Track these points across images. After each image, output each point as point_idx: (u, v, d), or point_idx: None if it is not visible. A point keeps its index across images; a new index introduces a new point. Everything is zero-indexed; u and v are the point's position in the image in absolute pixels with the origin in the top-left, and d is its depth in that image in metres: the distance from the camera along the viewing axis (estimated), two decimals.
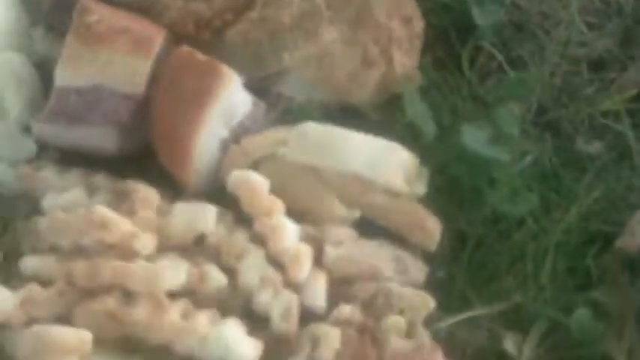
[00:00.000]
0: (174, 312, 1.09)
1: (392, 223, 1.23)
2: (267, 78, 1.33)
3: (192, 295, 1.13)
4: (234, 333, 1.09)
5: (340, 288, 1.16)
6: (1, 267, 1.18)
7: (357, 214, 1.22)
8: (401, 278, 1.18)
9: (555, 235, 1.26)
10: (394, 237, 1.23)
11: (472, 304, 1.21)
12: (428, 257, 1.22)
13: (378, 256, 1.19)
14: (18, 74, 1.33)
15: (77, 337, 1.06)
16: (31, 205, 1.26)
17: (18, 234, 1.21)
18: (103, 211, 1.14)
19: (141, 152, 1.29)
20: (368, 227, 1.22)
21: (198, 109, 1.22)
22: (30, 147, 1.30)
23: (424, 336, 1.14)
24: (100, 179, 1.23)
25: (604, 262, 1.25)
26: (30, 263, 1.15)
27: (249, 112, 1.29)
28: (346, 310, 1.12)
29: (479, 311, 1.21)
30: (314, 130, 1.25)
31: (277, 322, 1.12)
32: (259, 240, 1.17)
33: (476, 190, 1.28)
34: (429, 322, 1.16)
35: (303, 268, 1.15)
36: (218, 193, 1.20)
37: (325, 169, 1.22)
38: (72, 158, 1.29)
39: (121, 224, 1.14)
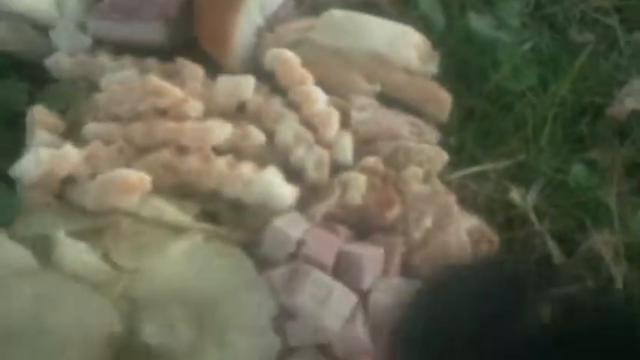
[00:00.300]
0: (221, 162, 1.18)
1: (408, 97, 1.32)
2: None
3: (235, 152, 1.22)
4: (274, 178, 1.18)
5: (364, 146, 1.25)
6: (66, 135, 1.24)
7: (377, 88, 1.31)
8: (417, 139, 1.26)
9: (553, 107, 1.35)
10: (410, 110, 1.31)
11: (481, 162, 1.30)
12: (440, 128, 1.31)
13: (397, 120, 1.28)
14: None
15: (139, 177, 1.15)
16: (90, 87, 1.32)
17: (80, 110, 1.28)
18: (157, 80, 1.24)
19: (186, 43, 1.38)
20: (387, 102, 1.31)
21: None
22: (86, 41, 1.39)
23: (439, 185, 1.22)
24: (151, 61, 1.32)
25: (596, 127, 1.35)
26: (92, 128, 1.23)
27: (281, 3, 1.38)
28: (371, 160, 1.21)
29: (487, 166, 1.29)
30: (338, 16, 1.35)
31: (311, 173, 1.21)
32: (293, 107, 1.26)
33: (481, 70, 1.38)
34: (442, 175, 1.24)
35: (332, 127, 1.24)
36: (254, 74, 1.29)
37: (349, 50, 1.32)
38: (124, 50, 1.36)
39: (172, 91, 1.23)
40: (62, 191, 1.22)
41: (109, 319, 1.10)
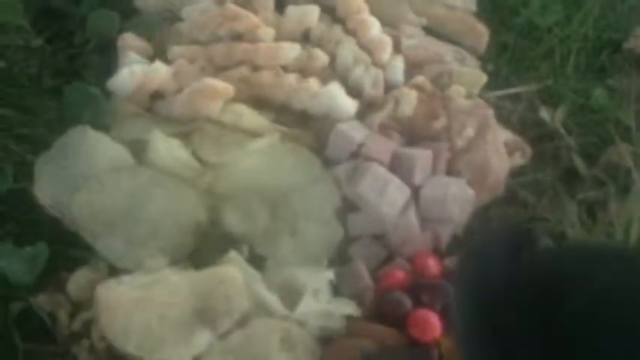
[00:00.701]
0: (290, 77, 1.28)
1: (450, 30, 1.42)
2: None
3: (302, 71, 1.31)
4: (338, 91, 1.27)
5: (413, 68, 1.34)
6: (153, 58, 1.34)
7: (424, 21, 1.41)
8: (459, 64, 1.36)
9: (577, 41, 1.46)
10: (452, 41, 1.41)
11: (514, 85, 1.40)
12: (478, 57, 1.41)
13: (441, 47, 1.38)
14: None
15: (223, 85, 1.24)
16: (172, 17, 1.41)
17: (164, 37, 1.37)
18: (234, 6, 1.33)
19: None
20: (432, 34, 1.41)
21: None
22: None
23: (479, 100, 1.32)
24: None
25: (615, 58, 1.45)
26: (177, 50, 1.32)
27: None
28: (419, 79, 1.31)
29: (520, 89, 1.39)
30: None
31: (368, 89, 1.30)
32: (351, 33, 1.36)
33: (513, 7, 1.48)
34: (481, 95, 1.34)
35: (386, 51, 1.34)
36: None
37: None
38: None
39: (249, 16, 1.32)
40: (151, 105, 1.30)
41: (195, 209, 1.18)
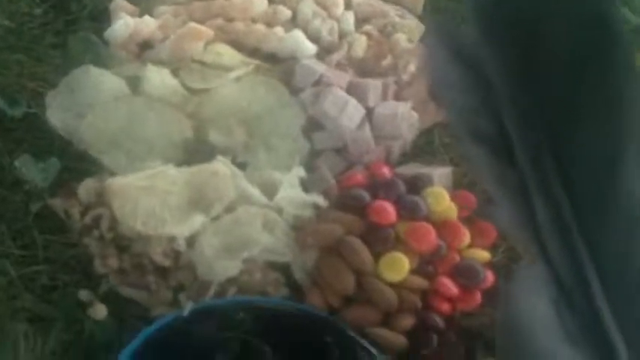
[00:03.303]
0: (260, 25, 1.43)
1: None
2: None
3: (268, 24, 1.47)
4: (301, 36, 1.42)
5: (362, 22, 1.50)
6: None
7: None
8: (400, 19, 1.52)
9: None
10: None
11: None
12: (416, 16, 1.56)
13: (385, 6, 1.54)
14: None
15: (205, 28, 1.39)
16: None
17: (149, 4, 1.51)
18: None
19: None
20: None
21: None
22: None
23: (420, 44, 1.48)
24: None
25: None
26: (161, 9, 1.46)
27: None
28: (368, 27, 1.46)
29: None
30: None
31: (325, 37, 1.45)
32: None
33: None
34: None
35: (339, 6, 1.49)
36: None
37: None
38: None
39: None
40: (141, 54, 1.43)
41: (184, 129, 1.31)
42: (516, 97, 0.59)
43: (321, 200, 1.19)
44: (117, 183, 1.14)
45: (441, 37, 0.65)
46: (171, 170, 1.16)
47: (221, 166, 1.18)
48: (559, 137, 0.59)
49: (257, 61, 1.35)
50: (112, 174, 1.22)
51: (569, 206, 0.59)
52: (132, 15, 1.44)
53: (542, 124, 0.59)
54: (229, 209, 1.18)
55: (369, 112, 1.32)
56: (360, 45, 1.41)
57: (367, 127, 1.30)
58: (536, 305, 0.62)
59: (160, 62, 1.39)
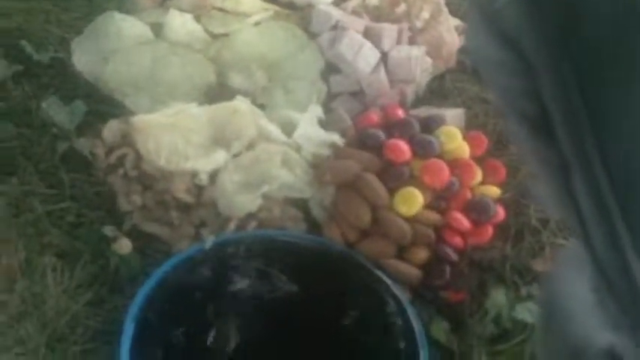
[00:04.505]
0: None
1: None
2: None
3: None
4: None
5: None
6: None
7: None
8: None
9: None
10: None
11: None
12: None
13: None
14: None
15: None
16: None
17: None
18: None
19: None
20: None
21: None
22: None
23: None
24: None
25: None
26: None
27: None
28: None
29: None
30: None
31: None
32: None
33: None
34: None
35: None
36: None
37: None
38: None
39: None
40: (162, 2, 1.43)
41: (205, 72, 1.32)
42: (557, 77, 0.57)
43: (338, 139, 1.18)
44: (141, 120, 1.14)
45: (483, 17, 0.62)
46: (194, 109, 1.17)
47: (242, 104, 1.18)
48: (600, 117, 0.57)
49: (276, 7, 1.32)
50: (136, 116, 1.21)
51: (609, 190, 0.57)
52: None
53: (583, 104, 0.56)
54: (250, 146, 1.19)
55: (384, 56, 1.32)
56: None
57: (382, 71, 1.31)
58: (577, 289, 0.60)
59: (181, 10, 1.38)
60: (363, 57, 1.27)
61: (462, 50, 1.36)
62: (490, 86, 0.66)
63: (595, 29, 0.57)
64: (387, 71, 1.31)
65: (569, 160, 0.58)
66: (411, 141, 1.19)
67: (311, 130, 1.18)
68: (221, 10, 1.35)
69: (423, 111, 1.27)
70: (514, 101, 0.61)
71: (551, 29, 0.57)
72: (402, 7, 1.36)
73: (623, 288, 0.58)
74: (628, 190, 0.58)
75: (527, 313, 1.03)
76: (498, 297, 1.06)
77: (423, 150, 1.16)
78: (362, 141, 1.21)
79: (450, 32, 1.35)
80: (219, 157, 1.15)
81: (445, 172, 1.14)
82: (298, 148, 1.17)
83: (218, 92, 1.28)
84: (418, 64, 1.30)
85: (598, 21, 0.57)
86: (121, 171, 1.17)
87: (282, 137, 1.17)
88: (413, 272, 1.09)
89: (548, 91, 0.57)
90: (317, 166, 1.18)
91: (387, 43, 1.30)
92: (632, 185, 0.58)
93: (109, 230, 1.12)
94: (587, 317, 0.61)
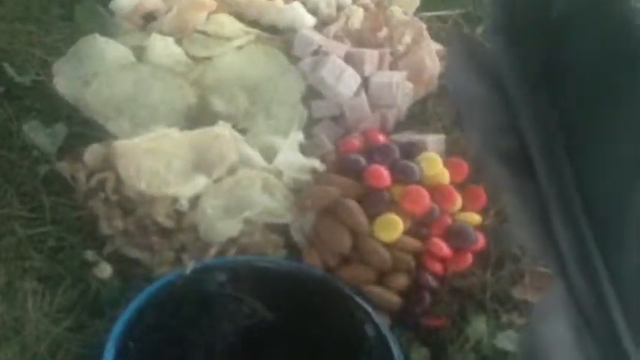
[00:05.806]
0: None
1: None
2: None
3: None
4: (300, 7, 1.41)
5: None
6: None
7: None
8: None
9: None
10: None
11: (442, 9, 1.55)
12: None
13: None
14: None
15: (208, 0, 1.38)
16: None
17: None
18: None
19: None
20: None
21: None
22: None
23: (415, 17, 1.47)
24: None
25: None
26: None
27: None
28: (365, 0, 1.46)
29: (446, 12, 1.55)
30: None
31: (323, 9, 1.44)
32: None
33: None
34: (415, 14, 1.49)
35: None
36: None
37: None
38: None
39: None
40: (144, 25, 1.42)
41: (187, 96, 1.30)
42: (537, 111, 0.58)
43: (319, 164, 1.17)
44: (122, 145, 1.13)
45: (465, 55, 0.63)
46: (175, 133, 1.16)
47: (223, 129, 1.17)
48: (580, 154, 0.57)
49: (258, 31, 1.32)
50: (117, 139, 1.20)
51: (588, 228, 0.57)
52: None
53: (563, 139, 0.57)
54: (231, 172, 1.17)
55: (366, 81, 1.31)
56: (357, 16, 1.40)
57: (363, 96, 1.29)
58: (556, 329, 0.59)
59: (163, 33, 1.36)
60: (344, 82, 1.25)
61: (442, 76, 1.32)
62: (469, 126, 0.64)
63: (578, 68, 0.58)
64: (369, 96, 1.29)
65: (549, 199, 0.58)
66: (391, 167, 1.18)
67: (292, 156, 1.17)
68: (203, 33, 1.31)
69: (405, 136, 1.26)
70: (494, 139, 0.61)
71: (534, 67, 0.58)
72: (383, 32, 1.35)
73: (601, 328, 0.58)
74: (607, 230, 0.58)
75: (507, 341, 1.02)
76: (479, 324, 1.05)
77: (403, 176, 1.15)
78: (343, 166, 1.20)
79: (432, 57, 1.34)
80: (200, 182, 1.13)
81: (426, 198, 1.13)
82: (279, 174, 1.16)
83: (200, 116, 1.26)
84: (399, 88, 1.28)
85: (581, 60, 0.58)
86: (102, 195, 1.15)
87: (263, 163, 1.16)
88: (393, 299, 1.08)
89: (528, 127, 0.58)
90: (298, 192, 1.15)
91: (368, 68, 1.29)
92: (611, 224, 0.58)
93: (90, 255, 1.11)
94: (567, 358, 0.60)
